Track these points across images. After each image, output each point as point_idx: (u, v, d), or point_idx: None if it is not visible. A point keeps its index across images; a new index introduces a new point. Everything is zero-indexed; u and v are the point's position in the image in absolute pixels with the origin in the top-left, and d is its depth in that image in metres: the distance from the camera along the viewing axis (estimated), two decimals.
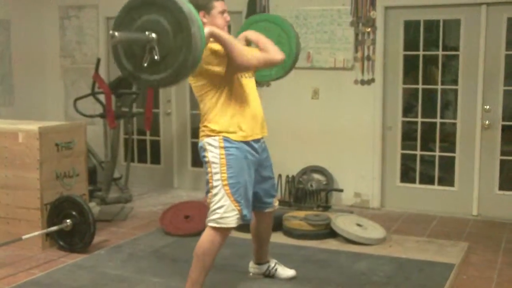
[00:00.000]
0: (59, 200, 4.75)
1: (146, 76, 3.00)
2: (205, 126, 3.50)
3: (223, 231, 3.49)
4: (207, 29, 3.22)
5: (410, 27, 6.08)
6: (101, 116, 6.34)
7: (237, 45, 3.40)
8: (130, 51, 3.02)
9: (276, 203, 3.92)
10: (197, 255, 3.51)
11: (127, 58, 3.04)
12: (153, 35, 2.91)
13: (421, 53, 6.03)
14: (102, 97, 6.23)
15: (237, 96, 3.49)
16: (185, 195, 6.80)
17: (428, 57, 6.08)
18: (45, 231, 4.69)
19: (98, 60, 6.26)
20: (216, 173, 3.44)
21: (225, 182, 3.42)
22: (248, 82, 3.59)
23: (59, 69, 7.54)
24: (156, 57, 2.91)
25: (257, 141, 3.61)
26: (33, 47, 7.38)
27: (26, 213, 4.77)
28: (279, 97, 6.37)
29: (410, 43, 6.08)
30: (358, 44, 6.10)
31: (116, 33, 2.85)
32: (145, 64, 2.93)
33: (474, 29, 5.77)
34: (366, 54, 6.08)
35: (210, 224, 3.48)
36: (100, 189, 6.30)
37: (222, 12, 3.50)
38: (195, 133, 7.08)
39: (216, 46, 3.37)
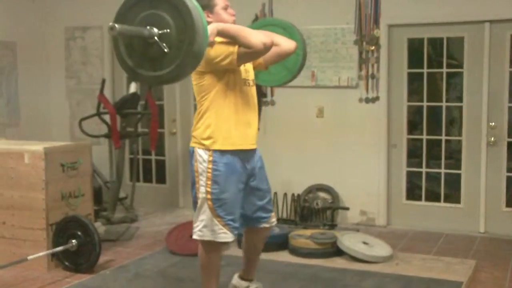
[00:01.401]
0: (64, 220, 4.75)
1: (148, 73, 2.91)
2: (197, 130, 3.46)
3: (212, 245, 3.48)
4: (212, 26, 3.17)
5: (414, 45, 6.10)
6: (106, 136, 6.36)
7: (246, 30, 3.30)
8: (131, 47, 2.93)
9: (274, 219, 3.80)
10: (199, 266, 3.60)
11: (128, 54, 2.94)
12: (155, 29, 2.82)
13: (425, 70, 6.05)
14: (107, 117, 6.25)
15: (234, 102, 3.44)
16: (190, 214, 6.71)
17: (433, 74, 6.09)
18: (50, 251, 4.68)
19: (103, 81, 6.29)
20: (202, 185, 3.44)
21: (209, 196, 3.42)
22: (248, 90, 3.53)
23: (64, 89, 7.57)
24: (165, 50, 2.81)
25: (250, 151, 3.56)
26: (39, 68, 7.42)
27: (32, 234, 4.76)
28: (284, 116, 6.38)
29: (414, 60, 6.09)
30: (362, 62, 6.11)
31: (116, 25, 2.73)
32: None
33: (477, 46, 5.78)
34: (370, 72, 6.09)
35: (193, 236, 3.52)
36: (106, 209, 6.30)
37: (225, 8, 3.47)
38: None
39: (221, 39, 3.28)
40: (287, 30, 3.87)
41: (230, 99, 3.43)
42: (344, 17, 6.13)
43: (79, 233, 4.67)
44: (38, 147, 4.77)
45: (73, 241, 4.66)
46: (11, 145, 5.08)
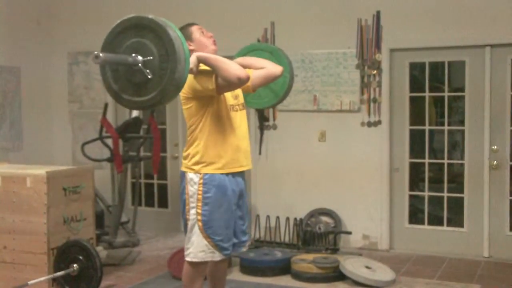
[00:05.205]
0: (66, 244, 4.73)
1: (131, 98, 3.00)
2: (188, 156, 3.52)
3: (197, 265, 3.51)
4: (193, 56, 3.23)
5: (416, 69, 6.13)
6: (109, 160, 6.34)
7: (224, 62, 3.32)
8: (116, 73, 3.02)
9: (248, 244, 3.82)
10: (183, 286, 3.59)
11: (114, 79, 3.03)
12: (139, 57, 2.91)
13: (427, 94, 6.06)
14: (109, 142, 6.25)
15: (222, 128, 3.48)
16: None
17: (434, 98, 6.11)
18: (51, 276, 4.65)
19: (106, 105, 6.30)
20: (192, 207, 3.49)
21: (199, 218, 3.46)
22: (237, 115, 3.57)
23: (67, 113, 7.60)
24: (149, 76, 2.90)
25: (240, 173, 3.60)
26: (42, 92, 7.46)
27: (33, 258, 4.74)
28: (286, 140, 6.38)
29: (416, 84, 6.11)
30: (364, 86, 6.13)
31: (101, 54, 2.84)
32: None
33: (479, 70, 5.81)
34: (372, 96, 6.11)
35: (186, 258, 3.53)
36: (108, 233, 6.27)
37: (202, 32, 3.55)
38: None
39: (204, 67, 3.34)
40: (273, 54, 3.91)
41: (218, 125, 3.47)
42: (346, 42, 6.17)
43: (80, 257, 4.65)
44: (41, 171, 4.77)
45: (75, 265, 4.64)
46: (13, 169, 5.09)
